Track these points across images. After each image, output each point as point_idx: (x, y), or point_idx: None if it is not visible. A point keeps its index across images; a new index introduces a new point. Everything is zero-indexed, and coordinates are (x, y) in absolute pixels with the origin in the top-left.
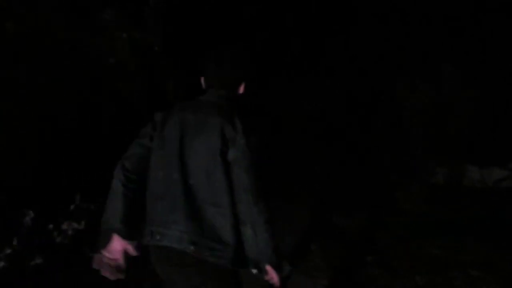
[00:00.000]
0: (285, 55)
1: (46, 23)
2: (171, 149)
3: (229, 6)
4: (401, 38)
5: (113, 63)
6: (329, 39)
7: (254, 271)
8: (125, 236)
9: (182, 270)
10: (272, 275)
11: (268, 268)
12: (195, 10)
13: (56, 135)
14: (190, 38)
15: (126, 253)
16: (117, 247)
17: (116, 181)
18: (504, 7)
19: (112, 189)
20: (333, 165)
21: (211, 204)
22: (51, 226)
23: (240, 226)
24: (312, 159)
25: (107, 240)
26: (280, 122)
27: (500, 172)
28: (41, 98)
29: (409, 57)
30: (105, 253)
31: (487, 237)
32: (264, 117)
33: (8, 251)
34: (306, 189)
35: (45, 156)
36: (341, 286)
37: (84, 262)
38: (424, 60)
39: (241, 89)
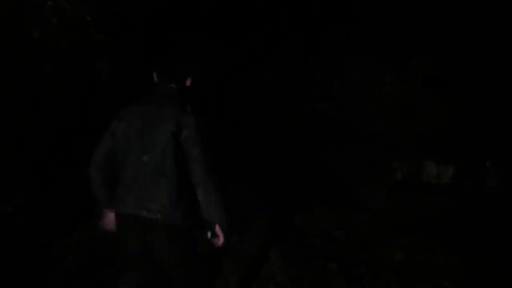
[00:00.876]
0: (285, 55)
1: None
2: (133, 136)
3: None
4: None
5: (38, 37)
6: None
7: (209, 234)
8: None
9: (139, 231)
10: (219, 235)
11: (217, 228)
12: None
13: None
14: (133, 16)
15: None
16: (110, 217)
17: (93, 175)
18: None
19: (92, 181)
20: (290, 161)
21: (163, 176)
22: None
23: (196, 192)
24: (267, 156)
25: (102, 215)
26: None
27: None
28: None
29: (380, 51)
30: (102, 222)
31: (449, 237)
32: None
33: None
34: (264, 189)
35: None
36: None
37: None
38: (394, 55)
39: (189, 82)
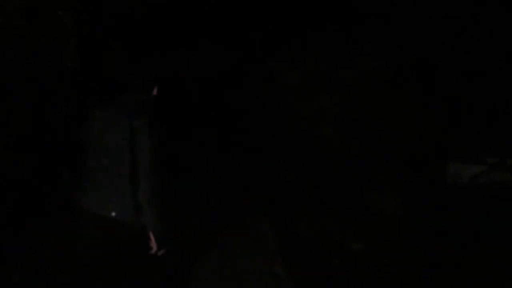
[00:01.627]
0: (284, 55)
1: None
2: (91, 142)
3: None
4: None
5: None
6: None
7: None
8: None
9: (103, 230)
10: (152, 242)
11: (151, 235)
12: None
13: None
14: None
15: None
16: None
17: None
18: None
19: None
20: (291, 162)
21: (122, 177)
22: None
23: (140, 195)
24: (268, 156)
25: None
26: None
27: (476, 167)
28: None
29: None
30: None
31: (472, 247)
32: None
33: None
34: (265, 190)
35: None
36: None
37: None
38: (394, 55)
39: (155, 92)
